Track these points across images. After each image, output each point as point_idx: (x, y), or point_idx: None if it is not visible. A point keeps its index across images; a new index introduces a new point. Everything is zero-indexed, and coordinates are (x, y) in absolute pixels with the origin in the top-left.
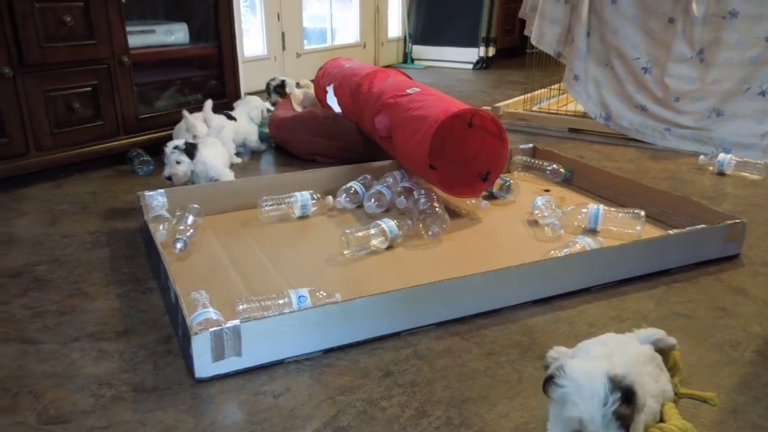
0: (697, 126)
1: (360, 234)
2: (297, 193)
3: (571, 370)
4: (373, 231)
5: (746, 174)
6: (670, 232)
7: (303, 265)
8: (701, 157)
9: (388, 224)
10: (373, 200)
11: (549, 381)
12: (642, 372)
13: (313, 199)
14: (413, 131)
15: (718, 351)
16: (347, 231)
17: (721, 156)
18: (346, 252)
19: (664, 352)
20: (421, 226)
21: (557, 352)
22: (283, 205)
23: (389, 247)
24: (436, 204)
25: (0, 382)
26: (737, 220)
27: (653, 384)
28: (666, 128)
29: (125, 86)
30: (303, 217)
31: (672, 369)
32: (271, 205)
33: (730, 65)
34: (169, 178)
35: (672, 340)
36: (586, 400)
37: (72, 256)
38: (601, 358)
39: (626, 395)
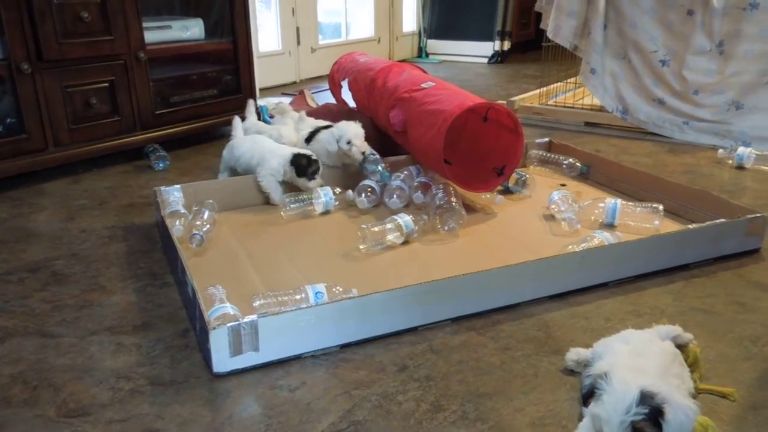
0: (716, 119)
1: (376, 229)
2: (320, 190)
3: (613, 375)
4: (389, 226)
5: (766, 168)
6: (689, 226)
7: (319, 260)
8: (720, 150)
9: (404, 219)
10: (395, 196)
11: (591, 391)
12: (670, 373)
13: (333, 194)
14: (428, 126)
15: (738, 346)
16: (363, 226)
17: (741, 149)
18: (362, 247)
19: (681, 347)
20: (437, 220)
21: (576, 354)
22: (305, 203)
23: (405, 242)
24: (453, 199)
25: (20, 375)
26: (758, 215)
27: (682, 385)
28: (684, 122)
29: (141, 82)
30: (325, 213)
31: (692, 365)
32: (294, 205)
33: (750, 57)
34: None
35: (689, 335)
36: (611, 402)
37: (90, 250)
38: (646, 372)
39: (653, 414)
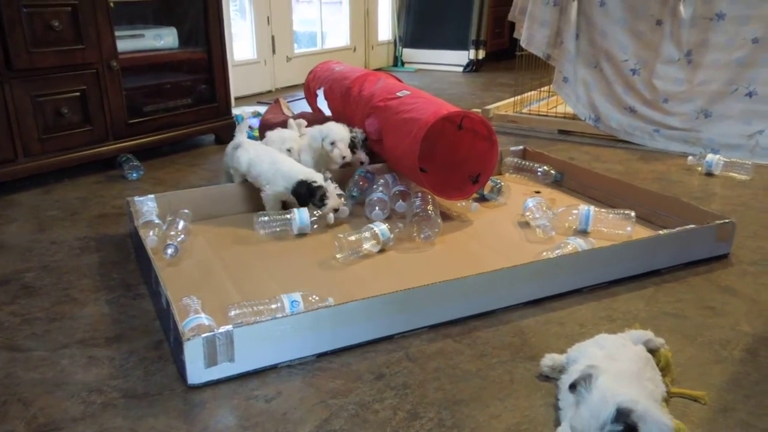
0: (686, 127)
1: (353, 238)
2: (296, 211)
3: (595, 384)
4: (365, 235)
5: (734, 174)
6: (661, 232)
7: (296, 270)
8: (690, 157)
9: (380, 227)
10: (377, 208)
11: (577, 383)
12: (644, 377)
13: (312, 216)
14: (404, 134)
15: (708, 350)
16: (340, 235)
17: (710, 156)
18: (338, 256)
19: (652, 352)
20: (414, 228)
21: (551, 359)
22: (279, 225)
23: (381, 251)
24: (429, 207)
25: None
26: (727, 220)
27: (656, 390)
28: (655, 129)
29: (114, 91)
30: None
31: (664, 369)
32: (270, 225)
33: (717, 66)
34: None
35: (660, 340)
36: (587, 417)
37: (61, 262)
38: (629, 381)
39: (628, 430)
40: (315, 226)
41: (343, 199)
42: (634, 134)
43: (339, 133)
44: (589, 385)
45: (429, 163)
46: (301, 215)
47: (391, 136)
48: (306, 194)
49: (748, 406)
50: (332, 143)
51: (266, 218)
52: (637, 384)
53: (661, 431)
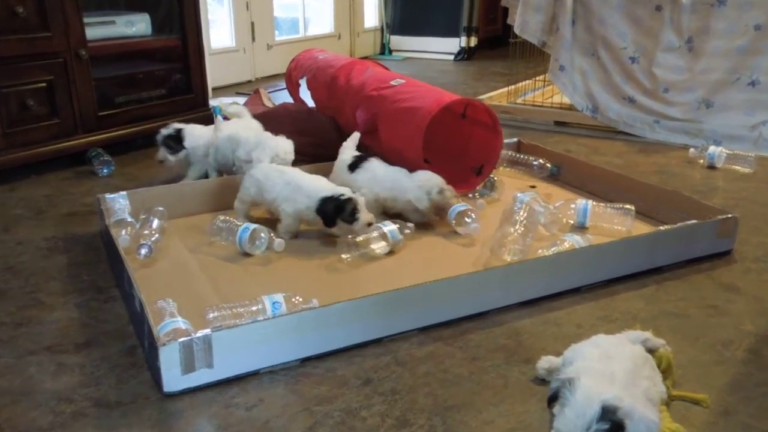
0: (687, 118)
1: (360, 238)
2: (249, 224)
3: (576, 386)
4: (373, 235)
5: (737, 167)
6: (661, 227)
7: (277, 270)
8: (691, 149)
9: (389, 227)
10: (468, 219)
11: (556, 396)
12: (641, 375)
13: (260, 239)
14: (402, 124)
15: (710, 350)
16: (349, 235)
17: (712, 149)
18: (344, 256)
19: (652, 352)
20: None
21: (547, 362)
22: (230, 238)
23: (390, 252)
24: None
25: None
26: (729, 215)
27: (653, 388)
28: (655, 120)
29: (83, 81)
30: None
31: (665, 371)
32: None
33: (718, 54)
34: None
35: (660, 341)
36: (572, 418)
37: (27, 263)
38: (612, 379)
39: (615, 429)
40: (258, 252)
41: (470, 214)
42: (633, 125)
43: (437, 179)
44: (573, 388)
45: (428, 154)
46: (241, 235)
47: (387, 127)
48: (333, 212)
49: (749, 408)
50: (440, 191)
51: (222, 224)
52: (629, 382)
53: (648, 427)
